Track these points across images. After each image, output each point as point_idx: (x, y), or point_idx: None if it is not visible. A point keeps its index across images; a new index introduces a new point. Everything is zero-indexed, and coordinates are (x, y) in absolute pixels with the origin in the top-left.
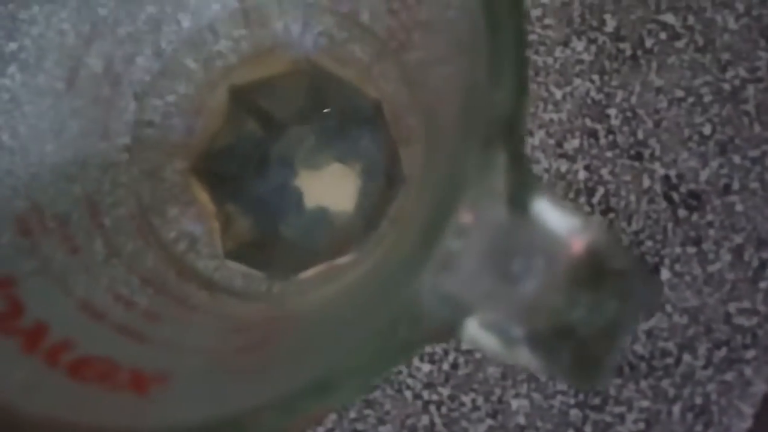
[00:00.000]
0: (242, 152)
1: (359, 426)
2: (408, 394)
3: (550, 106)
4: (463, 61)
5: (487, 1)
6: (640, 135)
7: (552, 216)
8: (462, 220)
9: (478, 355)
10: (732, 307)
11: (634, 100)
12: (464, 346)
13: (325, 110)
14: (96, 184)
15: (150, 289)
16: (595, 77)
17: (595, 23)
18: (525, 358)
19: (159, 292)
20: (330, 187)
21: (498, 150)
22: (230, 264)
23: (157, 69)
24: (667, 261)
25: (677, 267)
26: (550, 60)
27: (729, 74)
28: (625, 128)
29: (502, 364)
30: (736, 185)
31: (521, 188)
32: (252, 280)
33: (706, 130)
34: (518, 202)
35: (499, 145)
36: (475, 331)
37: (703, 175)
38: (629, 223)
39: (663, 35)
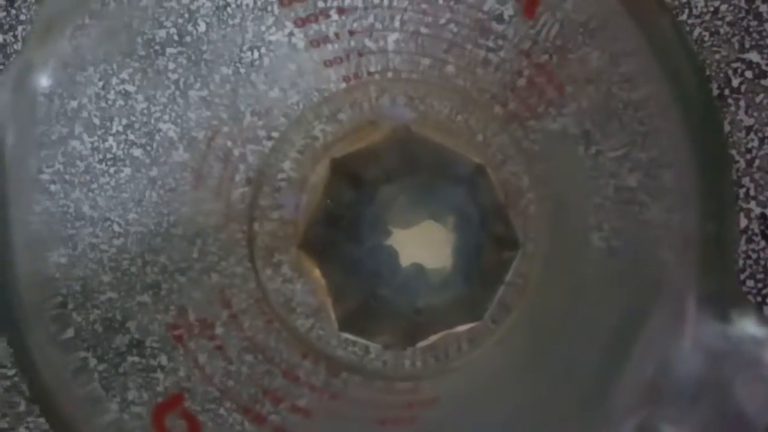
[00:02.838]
0: (342, 220)
1: None
2: None
3: None
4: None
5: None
6: (734, 175)
7: (757, 330)
8: (672, 339)
9: None
10: None
11: None
12: None
13: (415, 171)
14: (183, 255)
15: (287, 378)
16: None
17: None
18: None
19: (296, 380)
20: (424, 244)
21: (710, 264)
22: (346, 336)
23: (267, 146)
24: None
25: None
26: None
27: None
28: None
29: None
30: None
31: (729, 301)
32: (373, 355)
33: None
34: (726, 315)
35: (710, 260)
36: None
37: None
38: None
39: (749, 74)
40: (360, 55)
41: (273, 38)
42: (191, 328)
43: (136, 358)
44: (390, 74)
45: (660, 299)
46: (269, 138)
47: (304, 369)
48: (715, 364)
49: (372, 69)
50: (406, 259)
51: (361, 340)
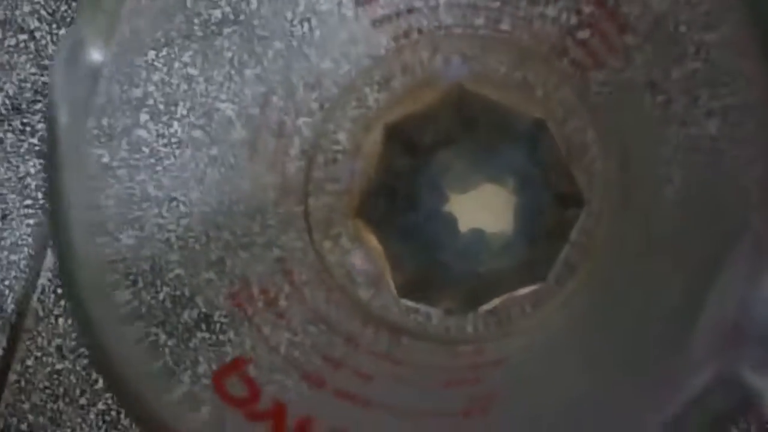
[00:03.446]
0: (398, 187)
1: None
2: None
3: None
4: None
5: None
6: None
7: None
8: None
9: None
10: None
11: None
12: None
13: (472, 131)
14: (245, 230)
15: (348, 344)
16: None
17: None
18: None
19: (357, 347)
20: (483, 208)
21: None
22: (406, 303)
23: (319, 116)
24: None
25: None
26: None
27: None
28: None
29: None
30: None
31: None
32: (435, 321)
33: None
34: None
35: None
36: None
37: None
38: None
39: None
40: (409, 12)
41: (323, 8)
42: (254, 300)
43: (206, 334)
44: (442, 31)
45: (738, 246)
46: (322, 108)
47: (366, 337)
48: None
49: (423, 26)
50: (465, 225)
51: (422, 307)
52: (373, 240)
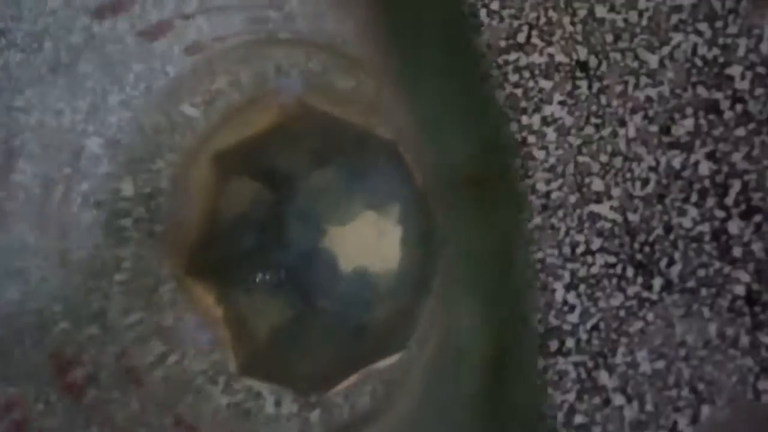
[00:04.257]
0: (251, 225)
1: None
2: None
3: (643, 79)
4: None
5: None
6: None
7: None
8: None
9: None
10: None
11: (765, 48)
12: None
13: (336, 155)
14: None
15: None
16: (703, 27)
17: None
18: None
19: None
20: (367, 242)
21: None
22: (248, 384)
23: (127, 142)
24: None
25: None
26: (633, 16)
27: None
28: (759, 90)
29: None
30: None
31: None
32: (278, 406)
33: None
34: None
35: None
36: None
37: None
38: None
39: None
40: (190, 18)
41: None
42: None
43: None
44: (267, 36)
45: None
46: (120, 144)
47: None
48: None
49: (227, 38)
50: (346, 263)
51: (265, 388)
52: (209, 300)
